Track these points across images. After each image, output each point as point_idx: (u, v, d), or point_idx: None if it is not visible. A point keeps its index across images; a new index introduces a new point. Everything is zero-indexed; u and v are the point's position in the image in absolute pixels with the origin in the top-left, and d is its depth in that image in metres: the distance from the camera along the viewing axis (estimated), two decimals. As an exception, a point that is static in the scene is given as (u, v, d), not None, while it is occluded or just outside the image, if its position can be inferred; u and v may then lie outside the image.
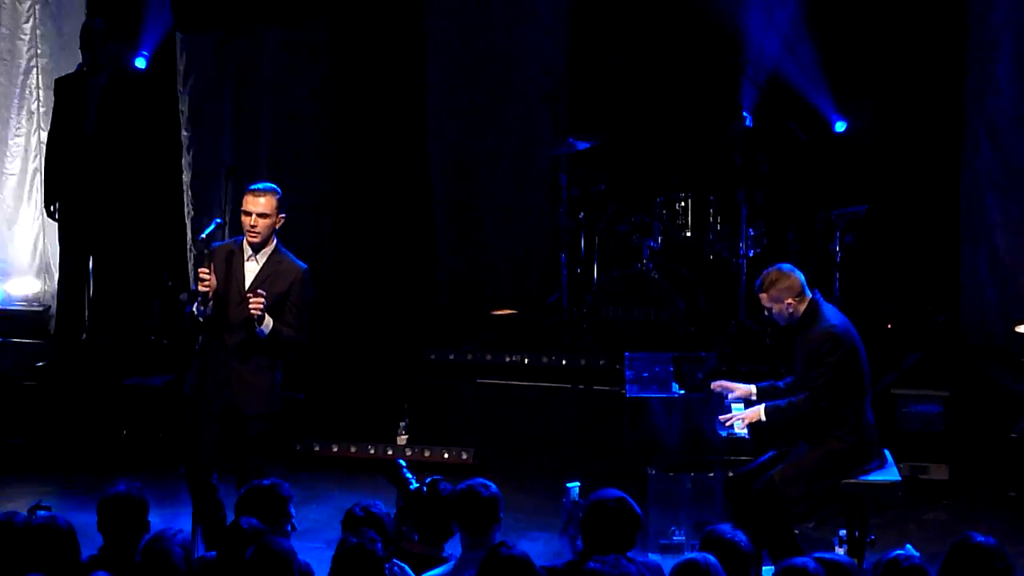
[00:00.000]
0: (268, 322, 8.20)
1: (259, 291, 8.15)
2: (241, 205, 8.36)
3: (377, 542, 5.94)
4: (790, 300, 8.17)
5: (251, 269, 8.35)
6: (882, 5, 12.26)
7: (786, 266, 8.30)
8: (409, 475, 6.79)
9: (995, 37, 11.76)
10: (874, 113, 12.37)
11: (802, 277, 8.23)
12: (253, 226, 8.27)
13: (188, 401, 8.42)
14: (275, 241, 8.41)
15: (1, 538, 6.17)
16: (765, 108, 12.25)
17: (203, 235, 8.30)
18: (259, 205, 8.29)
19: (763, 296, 8.25)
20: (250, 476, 8.15)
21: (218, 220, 8.44)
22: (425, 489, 6.57)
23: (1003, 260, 11.88)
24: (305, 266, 8.52)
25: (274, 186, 8.44)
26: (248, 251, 8.34)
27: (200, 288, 8.13)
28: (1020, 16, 11.72)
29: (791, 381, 8.43)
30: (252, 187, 8.40)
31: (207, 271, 8.12)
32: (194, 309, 8.21)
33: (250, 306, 8.11)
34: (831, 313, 8.21)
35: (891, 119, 12.34)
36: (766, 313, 8.33)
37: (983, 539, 5.81)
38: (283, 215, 8.41)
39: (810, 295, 8.22)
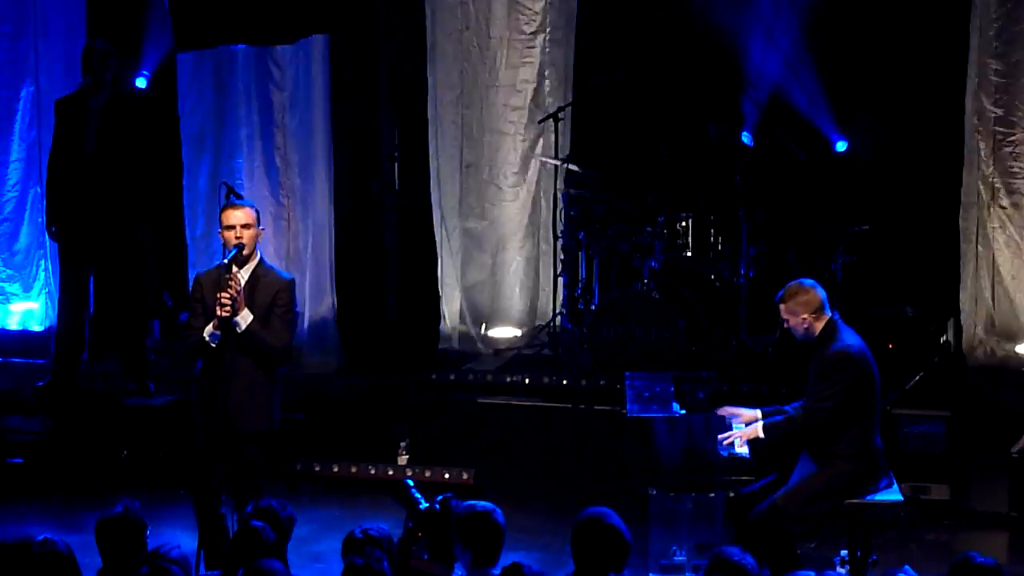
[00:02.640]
0: (245, 315, 8.23)
1: (229, 281, 8.16)
2: (222, 223, 8.40)
3: (383, 560, 5.93)
4: (805, 315, 8.16)
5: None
6: (882, 25, 12.28)
7: (808, 281, 8.28)
8: (418, 495, 6.79)
9: (995, 56, 11.78)
10: (875, 132, 12.39)
11: (823, 295, 8.22)
12: (239, 238, 8.32)
13: (195, 426, 8.43)
14: (259, 254, 8.50)
15: (16, 561, 6.16)
16: (766, 128, 12.26)
17: (226, 259, 8.31)
18: (240, 217, 8.38)
19: (781, 307, 8.25)
20: (249, 497, 8.16)
21: (235, 249, 8.39)
22: (438, 507, 6.56)
23: (1004, 279, 11.88)
24: (290, 276, 8.63)
25: (247, 199, 8.56)
26: (233, 267, 8.35)
27: (221, 313, 8.15)
28: (1020, 35, 11.74)
29: (798, 406, 8.41)
30: (226, 203, 8.47)
31: (228, 295, 8.15)
32: (206, 335, 8.24)
33: (220, 299, 8.12)
34: (848, 335, 8.19)
35: (891, 138, 12.35)
36: (784, 324, 8.31)
37: (983, 560, 5.81)
38: (263, 227, 8.54)
39: (829, 314, 8.21)
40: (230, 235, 8.34)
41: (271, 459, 8.56)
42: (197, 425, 8.41)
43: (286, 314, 8.45)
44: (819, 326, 8.18)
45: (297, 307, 8.61)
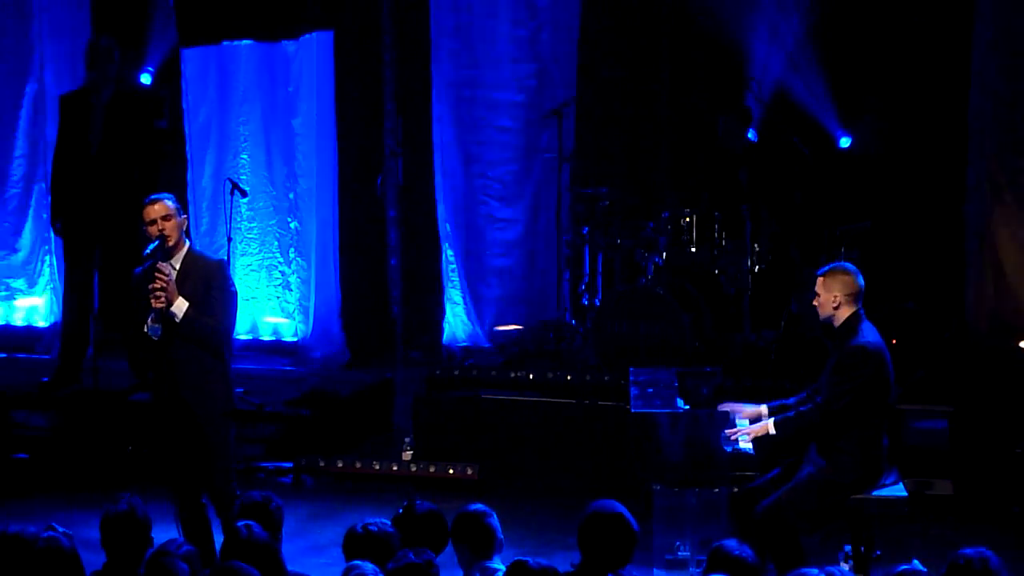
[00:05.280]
0: (180, 304, 8.22)
1: (157, 273, 8.18)
2: (143, 220, 8.38)
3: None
4: (838, 295, 8.12)
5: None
6: (886, 21, 12.28)
7: (853, 268, 8.28)
8: None
9: (999, 52, 11.78)
10: (878, 128, 12.39)
11: (862, 286, 8.20)
12: (162, 230, 8.31)
13: (155, 422, 8.46)
14: (187, 243, 8.47)
15: (13, 554, 6.15)
16: (770, 124, 12.26)
17: (147, 252, 8.31)
18: (158, 211, 8.34)
19: (819, 280, 8.23)
20: (218, 481, 8.24)
21: (157, 242, 8.37)
22: (401, 510, 6.55)
23: (1008, 275, 11.89)
24: (220, 259, 8.66)
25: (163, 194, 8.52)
26: (162, 261, 8.36)
27: (155, 304, 8.17)
28: (1024, 31, 11.76)
29: (802, 397, 8.43)
30: (145, 200, 8.45)
31: (159, 286, 8.15)
32: (147, 330, 8.24)
33: (152, 291, 8.14)
34: (869, 332, 8.18)
35: (895, 134, 12.35)
36: (814, 302, 8.32)
37: (980, 554, 5.80)
38: (184, 215, 8.51)
39: (858, 307, 8.21)
40: (153, 229, 8.34)
41: (231, 439, 8.53)
42: (156, 420, 8.44)
43: (221, 295, 8.41)
44: (845, 313, 8.15)
45: (233, 287, 8.57)
